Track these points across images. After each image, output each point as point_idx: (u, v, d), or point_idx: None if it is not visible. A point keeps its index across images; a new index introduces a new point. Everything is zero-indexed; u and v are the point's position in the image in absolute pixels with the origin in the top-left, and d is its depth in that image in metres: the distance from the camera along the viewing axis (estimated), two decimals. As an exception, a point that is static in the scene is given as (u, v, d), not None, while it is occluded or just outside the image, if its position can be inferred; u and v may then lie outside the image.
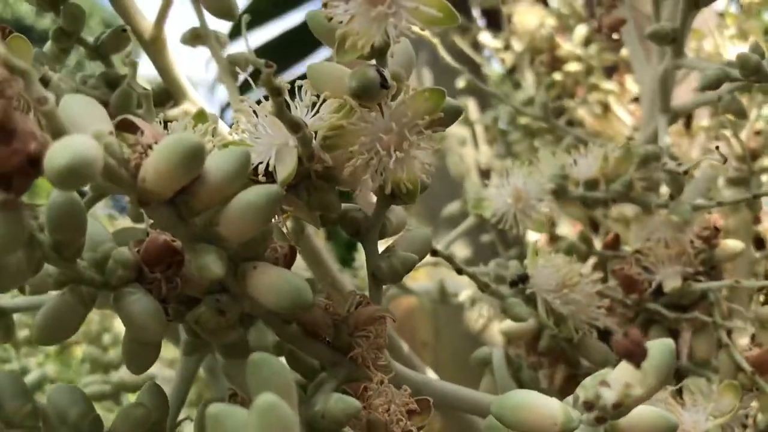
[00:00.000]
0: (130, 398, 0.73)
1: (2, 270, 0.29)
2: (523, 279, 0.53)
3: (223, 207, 0.33)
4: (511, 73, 1.25)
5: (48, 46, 0.51)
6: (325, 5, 0.35)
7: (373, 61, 0.37)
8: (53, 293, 0.34)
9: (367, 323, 0.40)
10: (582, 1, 1.23)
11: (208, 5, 0.46)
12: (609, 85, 1.14)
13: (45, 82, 0.46)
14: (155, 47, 0.50)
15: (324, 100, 0.38)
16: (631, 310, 0.63)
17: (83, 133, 0.29)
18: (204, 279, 0.32)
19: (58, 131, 0.28)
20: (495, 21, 1.33)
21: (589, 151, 0.64)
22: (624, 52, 1.14)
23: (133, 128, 0.33)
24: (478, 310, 0.94)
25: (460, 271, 0.49)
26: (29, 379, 0.69)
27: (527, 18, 1.21)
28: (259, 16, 1.79)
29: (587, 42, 1.17)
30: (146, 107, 0.41)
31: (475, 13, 1.37)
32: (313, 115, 0.38)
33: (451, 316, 1.13)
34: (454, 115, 0.39)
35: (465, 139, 1.13)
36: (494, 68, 1.33)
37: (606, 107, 1.14)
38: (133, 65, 0.41)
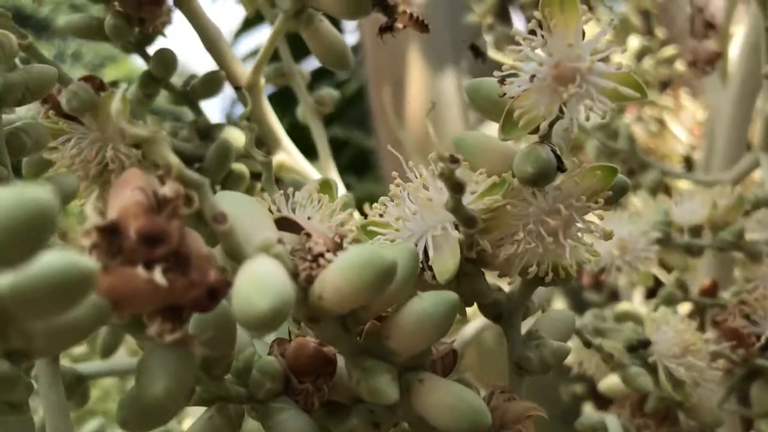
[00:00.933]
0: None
1: (162, 410, 0.24)
2: (644, 345, 0.49)
3: (393, 316, 0.29)
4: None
5: (133, 91, 0.46)
6: (501, 81, 0.30)
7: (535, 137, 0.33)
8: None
9: (515, 422, 0.36)
10: (630, 10, 1.18)
11: (324, 57, 0.42)
12: (665, 100, 1.10)
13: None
14: (252, 95, 0.45)
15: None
16: (738, 366, 0.59)
17: (251, 244, 0.25)
18: (375, 401, 0.28)
19: (234, 252, 0.24)
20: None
21: (693, 195, 0.60)
22: (680, 66, 1.10)
23: (294, 228, 0.29)
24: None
25: (588, 344, 0.45)
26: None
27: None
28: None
29: (640, 55, 1.12)
30: (266, 177, 0.37)
31: (518, 22, 1.33)
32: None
33: (496, 339, 1.08)
34: (622, 191, 0.35)
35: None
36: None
37: (661, 124, 1.10)
38: (251, 130, 0.36)
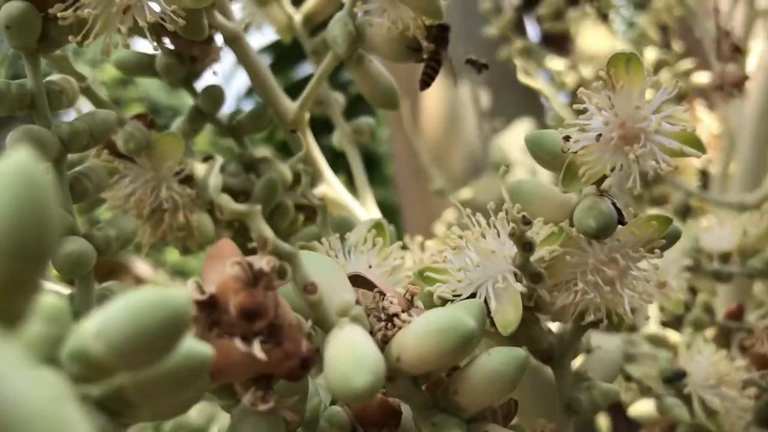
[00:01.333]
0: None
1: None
2: (680, 376, 0.50)
3: (462, 372, 0.29)
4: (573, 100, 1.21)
5: (178, 124, 0.47)
6: (566, 138, 0.31)
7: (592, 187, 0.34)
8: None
9: (567, 463, 0.37)
10: (648, 23, 1.19)
11: (372, 97, 0.42)
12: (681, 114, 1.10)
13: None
14: (298, 129, 0.46)
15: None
16: (766, 392, 0.60)
17: (330, 308, 0.26)
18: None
19: (321, 321, 0.24)
20: (554, 43, 1.28)
21: (723, 222, 0.60)
22: (697, 78, 1.10)
23: (366, 284, 0.29)
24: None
25: (629, 378, 0.46)
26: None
27: (593, 40, 1.16)
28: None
29: (657, 67, 1.12)
30: (322, 219, 0.37)
31: (532, 34, 1.33)
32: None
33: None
34: (675, 239, 0.36)
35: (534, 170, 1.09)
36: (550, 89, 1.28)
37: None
38: (307, 173, 0.37)
